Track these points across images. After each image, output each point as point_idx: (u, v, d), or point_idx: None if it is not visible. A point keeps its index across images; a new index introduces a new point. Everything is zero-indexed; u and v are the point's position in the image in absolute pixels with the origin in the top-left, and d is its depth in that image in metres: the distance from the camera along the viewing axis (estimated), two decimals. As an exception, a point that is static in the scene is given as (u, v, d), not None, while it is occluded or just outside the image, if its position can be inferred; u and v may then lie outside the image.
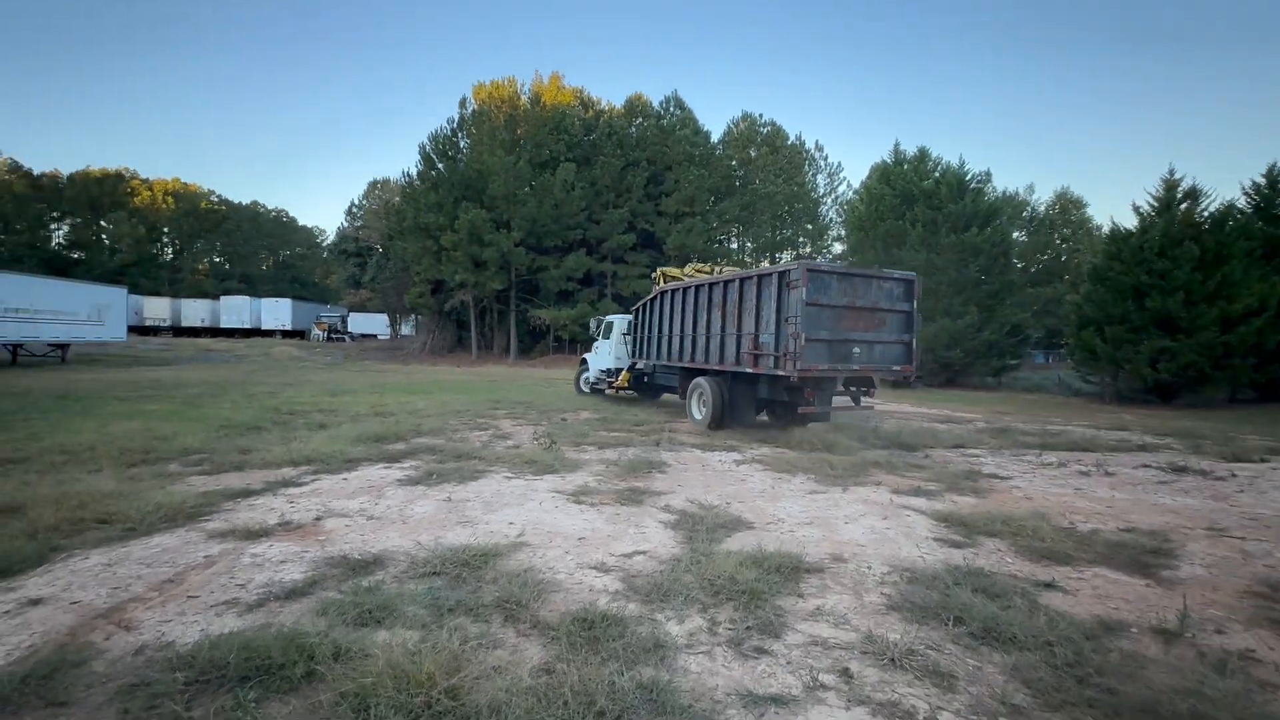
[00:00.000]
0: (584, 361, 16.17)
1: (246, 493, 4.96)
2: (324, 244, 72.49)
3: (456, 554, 3.71)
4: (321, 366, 25.53)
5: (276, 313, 45.16)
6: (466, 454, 6.71)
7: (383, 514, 4.60)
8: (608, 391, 14.97)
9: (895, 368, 9.99)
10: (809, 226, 45.77)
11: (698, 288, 11.24)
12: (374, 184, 54.74)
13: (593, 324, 15.82)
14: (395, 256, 37.15)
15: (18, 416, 8.72)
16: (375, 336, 47.70)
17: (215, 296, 49.77)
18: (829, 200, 46.22)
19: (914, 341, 10.07)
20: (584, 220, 34.33)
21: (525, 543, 4.09)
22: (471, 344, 35.86)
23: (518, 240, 32.51)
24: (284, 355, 29.30)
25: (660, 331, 12.25)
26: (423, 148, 34.35)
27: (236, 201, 70.25)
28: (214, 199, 68.46)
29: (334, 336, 43.03)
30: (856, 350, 9.70)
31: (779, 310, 9.28)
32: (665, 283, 14.08)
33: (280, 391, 13.63)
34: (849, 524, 4.74)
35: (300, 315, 46.35)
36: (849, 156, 74.84)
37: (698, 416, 10.69)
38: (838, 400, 9.74)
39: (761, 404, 10.35)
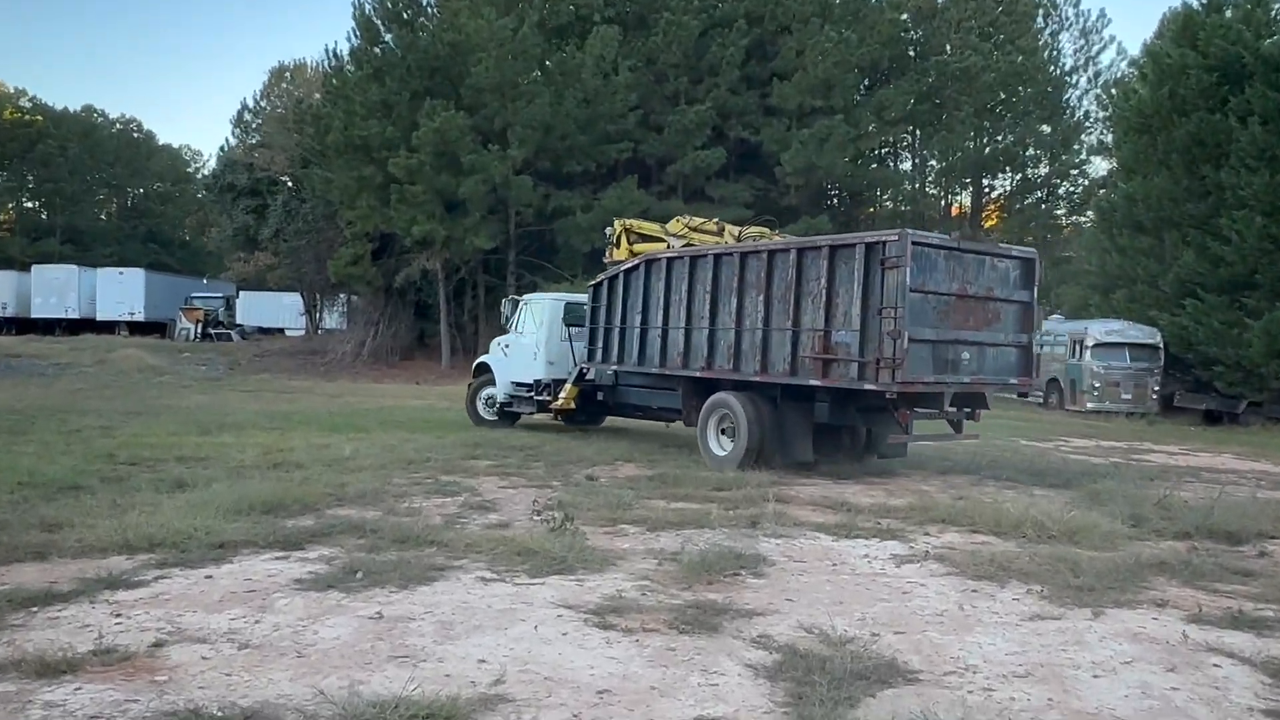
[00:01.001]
0: (480, 369, 17.23)
1: (49, 597, 5.17)
2: (199, 177, 76.89)
3: (384, 715, 3.71)
4: (190, 383, 26.89)
5: (121, 292, 47.44)
6: (416, 537, 6.83)
7: (266, 640, 4.65)
8: (532, 415, 16.05)
9: (1011, 380, 11.54)
10: (1044, 129, 44.28)
11: (718, 259, 12.43)
12: (278, 72, 57.54)
13: (505, 307, 16.90)
14: (314, 195, 38.85)
15: None
16: (282, 332, 49.88)
17: (22, 266, 53.45)
18: (1082, 80, 44.85)
19: (1033, 344, 11.56)
20: (634, 126, 34.87)
21: (505, 697, 4.04)
22: (441, 343, 36.79)
23: (520, 163, 33.23)
24: (131, 364, 30.96)
25: (641, 322, 13.45)
26: (359, 8, 35.83)
27: (60, 108, 76.18)
28: (24, 104, 73.96)
29: (214, 332, 45.19)
30: (966, 356, 11.01)
31: (866, 297, 10.50)
32: (627, 242, 15.24)
33: (120, 426, 14.44)
34: (1100, 679, 4.54)
35: (160, 296, 48.73)
36: (1118, 2, 73.85)
37: (718, 451, 12.08)
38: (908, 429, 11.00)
39: (815, 431, 11.69)
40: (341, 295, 47.99)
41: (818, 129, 33.78)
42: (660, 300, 13.14)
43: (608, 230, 16.18)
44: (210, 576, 5.75)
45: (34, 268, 49.53)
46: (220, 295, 50.33)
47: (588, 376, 14.84)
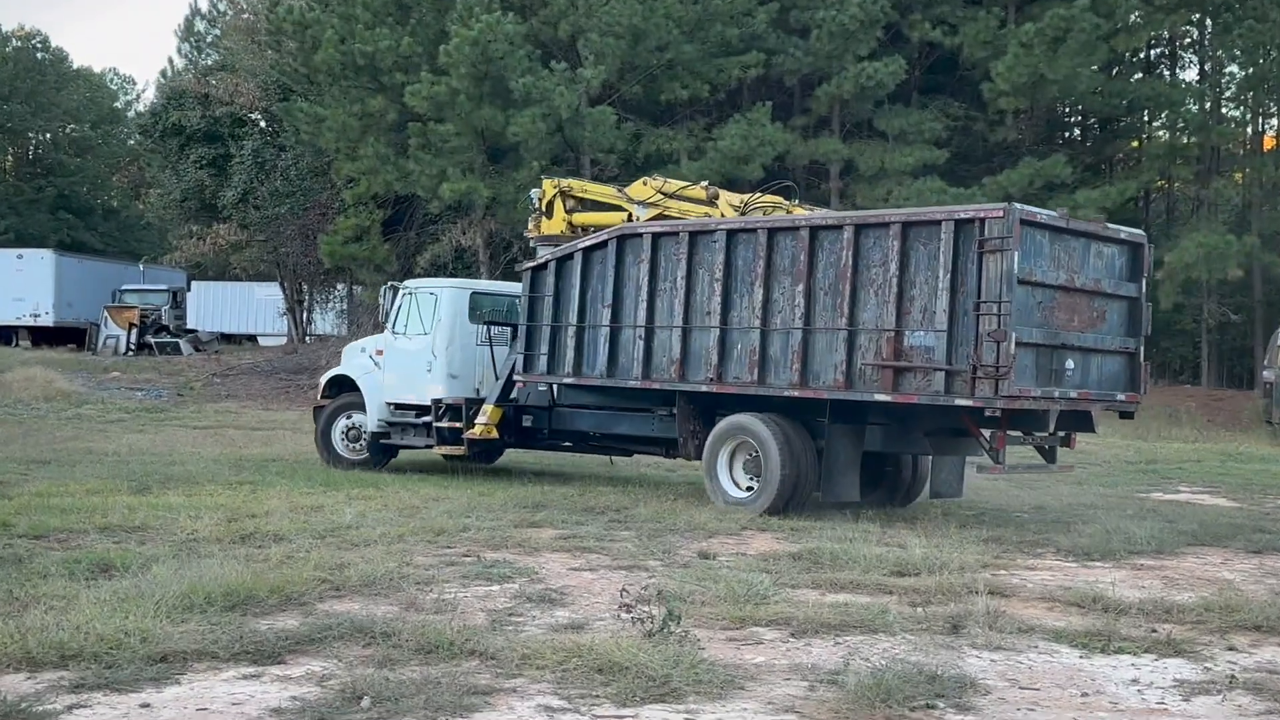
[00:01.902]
0: (334, 386, 18.30)
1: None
2: (131, 115, 79.74)
3: None
4: (121, 416, 27.77)
5: (20, 285, 49.56)
6: (450, 645, 6.86)
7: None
8: (437, 451, 17.08)
9: (1120, 396, 13.31)
10: None
11: (733, 236, 13.86)
12: (244, -36, 59.34)
13: (384, 296, 17.96)
14: (298, 141, 39.96)
15: None
16: (254, 340, 51.51)
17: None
18: None
19: (1141, 351, 13.43)
20: (766, 29, 35.15)
21: None
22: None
23: (597, 88, 33.89)
24: (35, 390, 31.93)
25: (611, 319, 14.76)
26: None
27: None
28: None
29: (154, 341, 46.48)
30: (1071, 365, 12.61)
31: (955, 288, 11.99)
32: (564, 210, 16.75)
33: (18, 481, 14.97)
34: None
35: (76, 290, 50.87)
36: None
37: (735, 491, 13.65)
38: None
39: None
40: (339, 286, 49.25)
41: (1048, 22, 32.99)
42: (642, 290, 14.40)
43: (534, 193, 17.50)
44: (147, 705, 5.83)
45: None
46: (164, 288, 51.58)
47: (514, 391, 16.00)
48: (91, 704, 5.84)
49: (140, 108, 76.30)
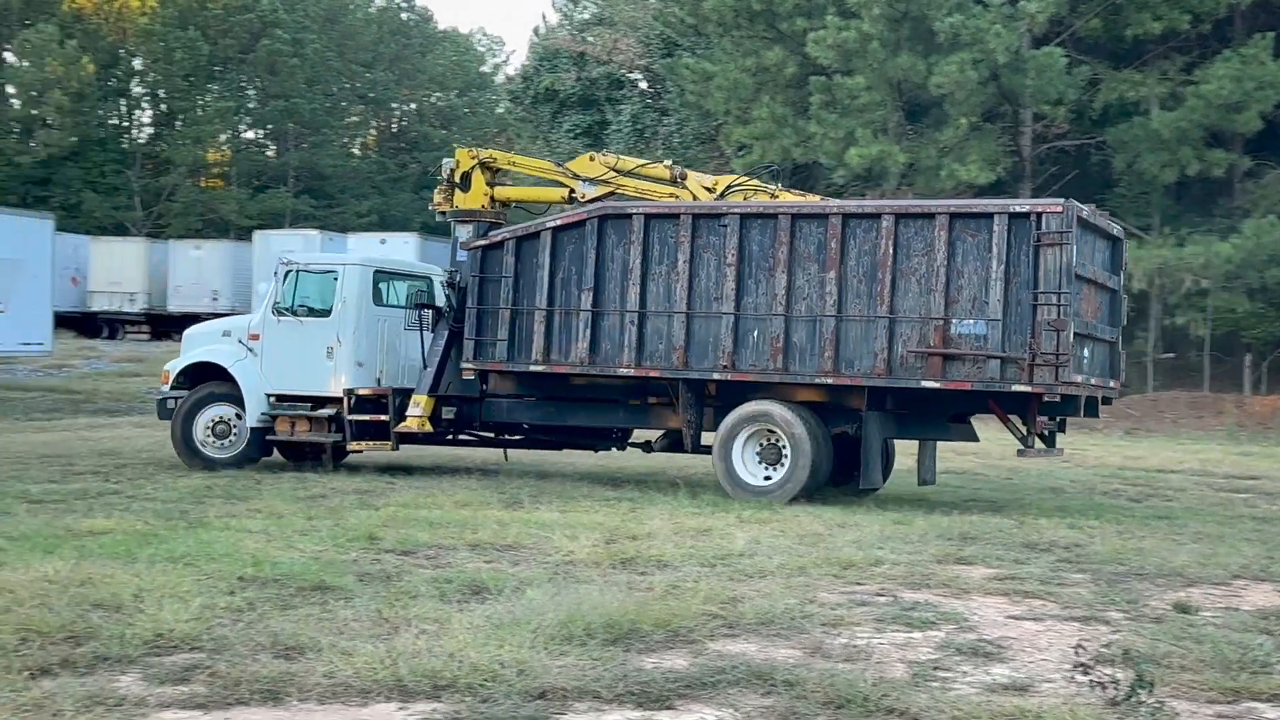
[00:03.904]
0: (194, 374, 18.45)
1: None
2: (500, 81, 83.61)
3: None
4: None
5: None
6: (863, 700, 6.84)
7: None
8: (352, 448, 18.09)
9: (1111, 382, 16.84)
10: None
11: (746, 220, 15.96)
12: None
13: (279, 273, 18.38)
14: (683, 103, 40.80)
15: None
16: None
17: (240, 232, 61.14)
18: None
19: (1120, 340, 17.22)
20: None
21: None
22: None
23: (1043, 26, 32.94)
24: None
25: (593, 304, 16.46)
26: None
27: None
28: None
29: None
30: (1088, 353, 15.65)
31: (1010, 280, 14.69)
32: (485, 184, 18.19)
33: (383, 491, 16.06)
34: None
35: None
36: None
37: (754, 480, 15.88)
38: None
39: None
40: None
41: None
42: (632, 273, 16.19)
43: (445, 163, 18.47)
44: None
45: (260, 235, 55.09)
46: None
47: (464, 379, 17.30)
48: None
49: (510, 71, 79.96)
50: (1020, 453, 15.90)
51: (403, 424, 17.36)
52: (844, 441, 15.99)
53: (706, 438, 16.86)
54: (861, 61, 31.79)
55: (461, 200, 18.22)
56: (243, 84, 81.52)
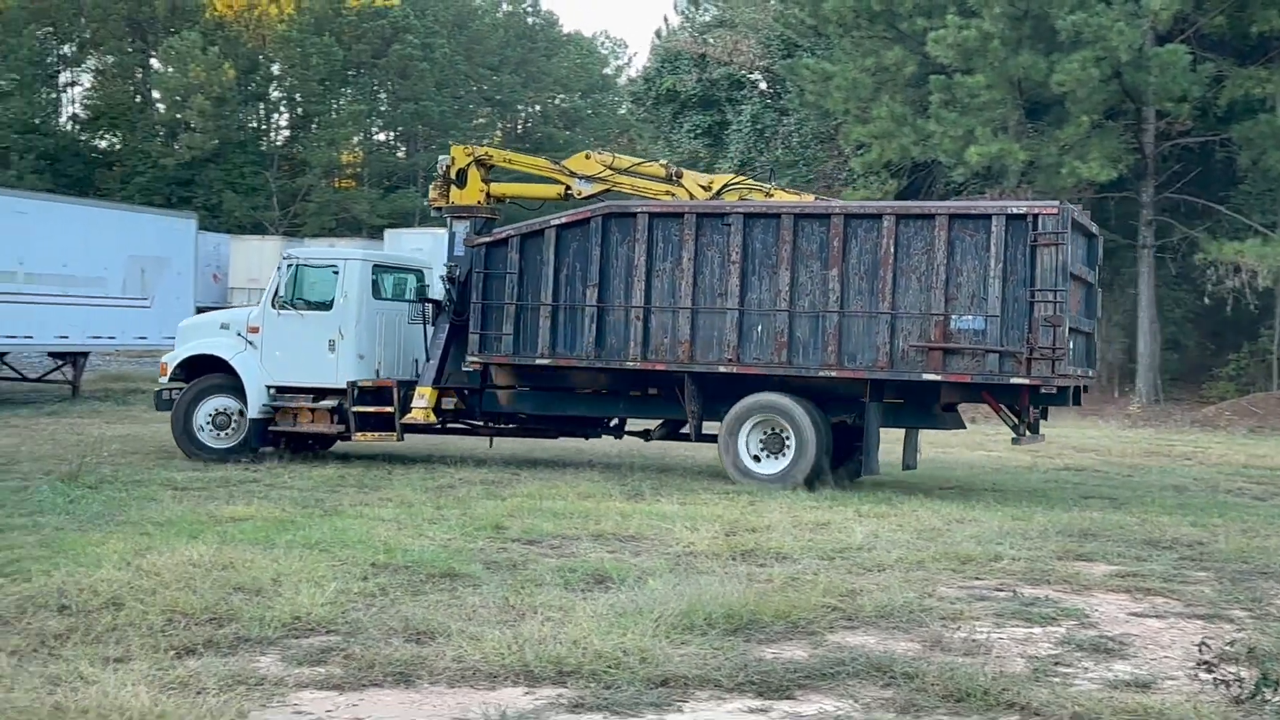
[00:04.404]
0: (192, 366, 18.58)
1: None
2: (623, 83, 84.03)
3: None
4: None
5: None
6: (983, 694, 6.81)
7: None
8: (357, 438, 18.21)
9: (1090, 372, 18.23)
10: None
11: (749, 220, 16.60)
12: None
13: (281, 267, 18.51)
14: (803, 103, 40.74)
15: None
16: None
17: (373, 232, 62.10)
18: None
19: (1096, 332, 18.55)
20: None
21: None
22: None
23: (1167, 23, 32.29)
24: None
25: (598, 299, 17.00)
26: None
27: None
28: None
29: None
30: (1073, 345, 16.31)
31: (1008, 278, 15.45)
32: (480, 181, 18.48)
33: (509, 480, 16.33)
34: None
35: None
36: None
37: (759, 468, 16.53)
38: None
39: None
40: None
41: None
42: (638, 270, 16.78)
43: (442, 160, 18.81)
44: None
45: (391, 234, 55.77)
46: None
47: (466, 370, 17.77)
48: (590, 727, 6.27)
49: (632, 73, 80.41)
50: (1015, 441, 16.90)
51: (408, 415, 17.70)
52: (839, 429, 16.83)
53: (706, 429, 17.39)
54: (982, 60, 31.43)
55: (457, 196, 18.59)
56: (375, 88, 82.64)
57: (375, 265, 18.60)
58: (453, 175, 18.66)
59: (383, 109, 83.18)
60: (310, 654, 7.45)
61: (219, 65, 69.59)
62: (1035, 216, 15.42)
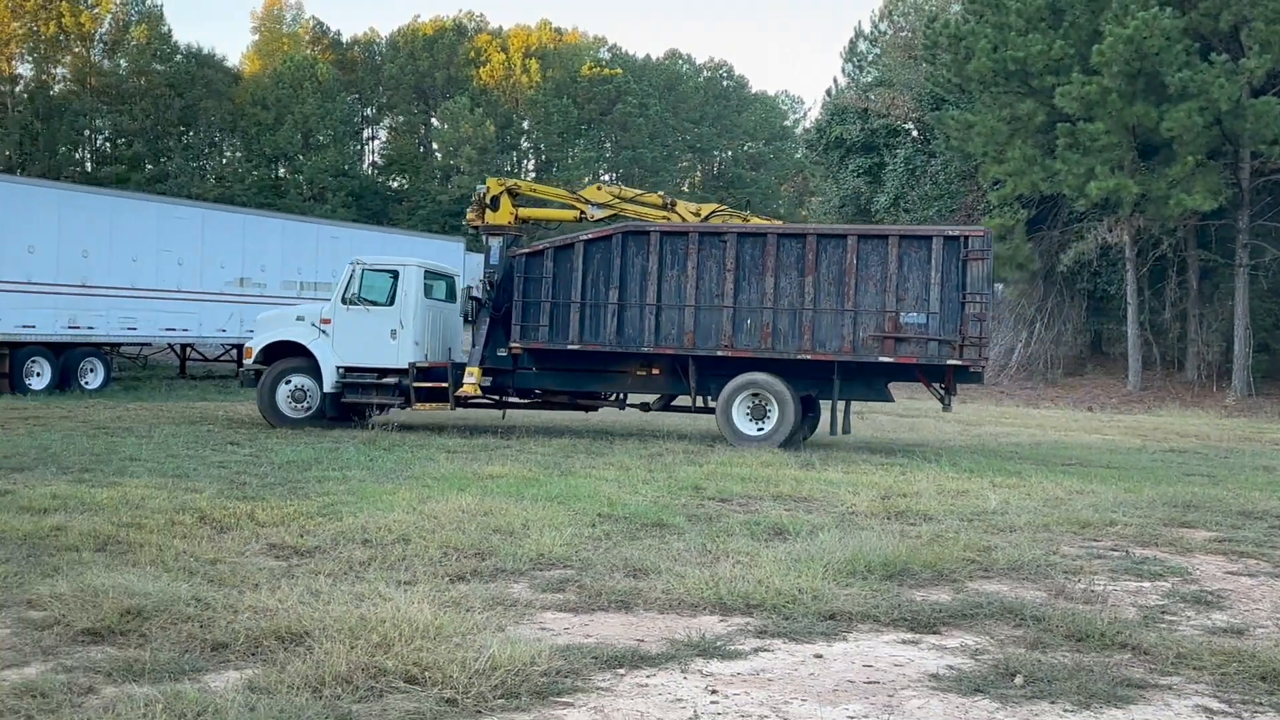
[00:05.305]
0: (275, 351, 18.60)
1: (636, 658, 5.97)
2: (799, 132, 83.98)
3: None
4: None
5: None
6: (1100, 635, 6.62)
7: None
8: (416, 408, 18.55)
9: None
10: None
11: (742, 238, 17.56)
12: (905, -16, 60.25)
13: (351, 275, 18.61)
14: (948, 146, 40.12)
15: (312, 473, 12.84)
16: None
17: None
18: None
19: None
20: None
21: None
22: (1127, 352, 35.59)
23: (1261, 78, 31.23)
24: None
25: (618, 299, 17.70)
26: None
27: (640, 57, 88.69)
28: (603, 55, 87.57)
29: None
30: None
31: (944, 284, 16.65)
32: (511, 206, 19.20)
33: (706, 451, 16.48)
34: None
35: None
36: None
37: (750, 431, 17.50)
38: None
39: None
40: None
41: None
42: (651, 275, 17.56)
43: (479, 188, 19.48)
44: (820, 656, 6.18)
45: None
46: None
47: (503, 355, 18.17)
48: (773, 649, 6.30)
49: (806, 125, 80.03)
50: (944, 409, 18.13)
51: (460, 390, 18.02)
52: (803, 401, 17.79)
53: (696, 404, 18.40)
54: (1101, 110, 30.43)
55: (492, 218, 19.03)
56: (602, 139, 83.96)
57: (426, 271, 18.80)
58: (487, 200, 19.13)
59: (607, 155, 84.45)
60: (551, 583, 7.65)
61: (482, 123, 71.47)
62: (966, 238, 16.69)
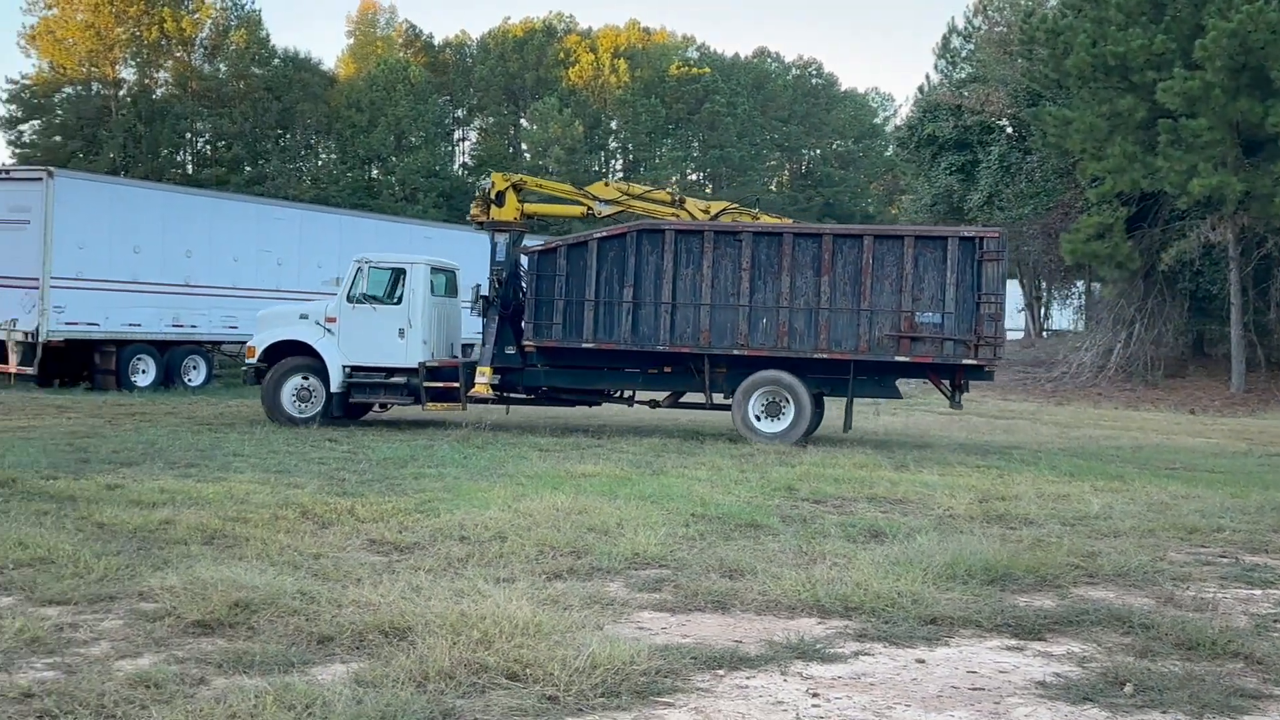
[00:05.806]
0: (277, 351, 18.29)
1: (735, 659, 5.97)
2: (890, 129, 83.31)
3: None
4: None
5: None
6: (1211, 644, 6.48)
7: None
8: (428, 408, 18.25)
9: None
10: None
11: (757, 237, 17.50)
12: (1000, -20, 59.32)
13: (357, 273, 18.26)
14: (1045, 143, 39.38)
15: (409, 470, 12.98)
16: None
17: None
18: None
19: None
20: None
21: None
22: (1230, 354, 34.63)
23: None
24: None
25: (633, 297, 17.59)
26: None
27: (729, 56, 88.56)
28: (691, 55, 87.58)
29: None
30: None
31: (960, 285, 16.83)
32: (516, 201, 18.84)
33: (798, 453, 16.39)
34: None
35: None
36: None
37: (767, 428, 17.50)
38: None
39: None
40: (1078, 283, 47.98)
41: None
42: (666, 274, 17.48)
43: (485, 183, 18.33)
44: (922, 661, 6.11)
45: None
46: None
47: (515, 353, 18.08)
48: (874, 653, 6.25)
49: (897, 122, 79.33)
50: (953, 406, 18.26)
51: (473, 389, 17.93)
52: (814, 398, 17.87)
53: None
54: (1204, 106, 29.71)
55: (497, 213, 18.73)
56: (689, 138, 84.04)
57: (431, 268, 18.56)
58: (492, 196, 18.86)
59: (695, 155, 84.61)
60: (647, 583, 7.68)
61: (571, 123, 71.88)
62: (981, 239, 16.83)
